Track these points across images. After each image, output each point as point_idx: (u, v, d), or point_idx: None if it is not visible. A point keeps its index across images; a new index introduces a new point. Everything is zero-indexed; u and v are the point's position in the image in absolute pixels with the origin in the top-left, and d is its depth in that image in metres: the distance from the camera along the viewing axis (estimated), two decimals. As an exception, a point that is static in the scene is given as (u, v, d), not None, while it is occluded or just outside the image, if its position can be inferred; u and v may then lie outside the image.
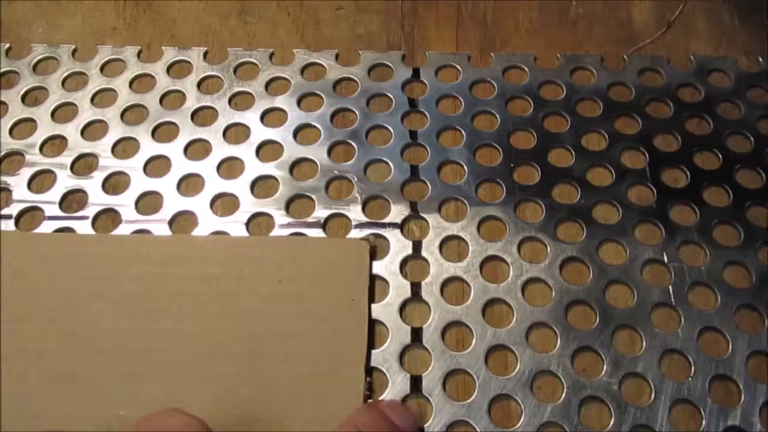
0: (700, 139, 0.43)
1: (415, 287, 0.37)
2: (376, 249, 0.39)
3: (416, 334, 0.36)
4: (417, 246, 0.39)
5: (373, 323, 0.36)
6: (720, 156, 0.42)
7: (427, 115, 0.44)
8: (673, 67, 0.46)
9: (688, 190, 0.41)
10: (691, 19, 0.48)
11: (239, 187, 0.41)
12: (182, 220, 0.40)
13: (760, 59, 0.46)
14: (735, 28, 0.48)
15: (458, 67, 0.46)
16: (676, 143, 0.43)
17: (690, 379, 0.35)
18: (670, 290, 0.37)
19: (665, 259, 0.38)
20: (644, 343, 0.36)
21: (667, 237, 0.39)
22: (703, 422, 0.33)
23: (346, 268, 0.37)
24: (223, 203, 0.41)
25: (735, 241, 0.39)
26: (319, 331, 0.35)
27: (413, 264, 0.38)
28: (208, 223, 0.39)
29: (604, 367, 0.35)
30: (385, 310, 0.37)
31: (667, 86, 0.45)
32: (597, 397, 0.34)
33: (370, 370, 0.35)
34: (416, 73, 0.46)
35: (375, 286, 0.37)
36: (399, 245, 0.39)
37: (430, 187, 0.41)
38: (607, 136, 0.43)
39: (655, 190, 0.41)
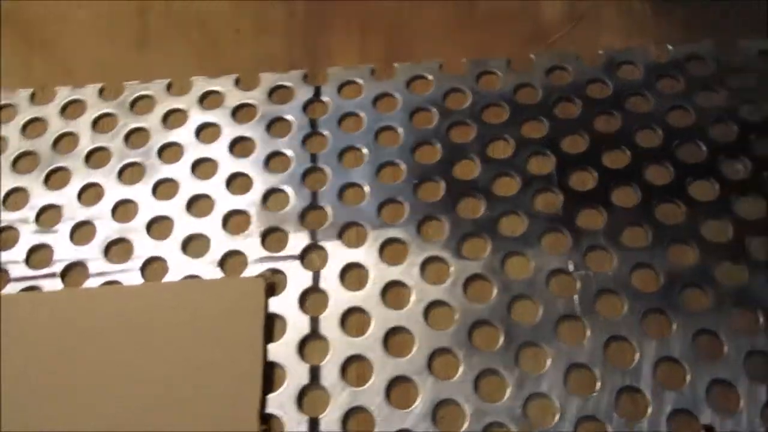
0: (608, 137, 0.42)
1: (314, 322, 0.37)
2: (275, 285, 0.38)
3: (314, 373, 0.35)
4: (316, 277, 0.38)
5: (270, 365, 0.35)
6: (629, 153, 0.41)
7: (328, 136, 0.43)
8: (582, 62, 0.45)
9: (595, 192, 0.40)
10: (602, 11, 0.47)
11: (132, 231, 0.40)
12: (75, 273, 0.39)
13: (670, 47, 0.45)
14: (646, 18, 0.47)
15: (360, 82, 0.45)
16: (584, 143, 0.42)
17: (595, 393, 0.34)
18: (576, 300, 0.36)
19: (571, 267, 0.37)
20: (549, 359, 0.35)
21: (574, 244, 0.38)
22: (609, 439, 0.32)
23: (241, 309, 0.37)
24: (118, 250, 0.40)
25: (643, 242, 0.38)
26: (212, 379, 0.34)
27: (313, 297, 0.38)
28: (97, 268, 0.39)
29: (509, 390, 0.34)
30: (282, 349, 0.36)
31: (574, 84, 0.44)
32: (500, 423, 0.33)
33: (266, 417, 0.34)
34: (318, 92, 0.45)
35: (273, 325, 0.37)
36: (298, 278, 0.38)
37: (330, 213, 0.40)
38: (513, 143, 0.42)
39: (562, 195, 0.40)
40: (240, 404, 0.34)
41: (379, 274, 0.38)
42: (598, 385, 0.34)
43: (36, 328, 0.36)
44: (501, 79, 0.45)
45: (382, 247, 0.39)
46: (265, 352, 0.36)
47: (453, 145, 0.42)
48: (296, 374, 0.35)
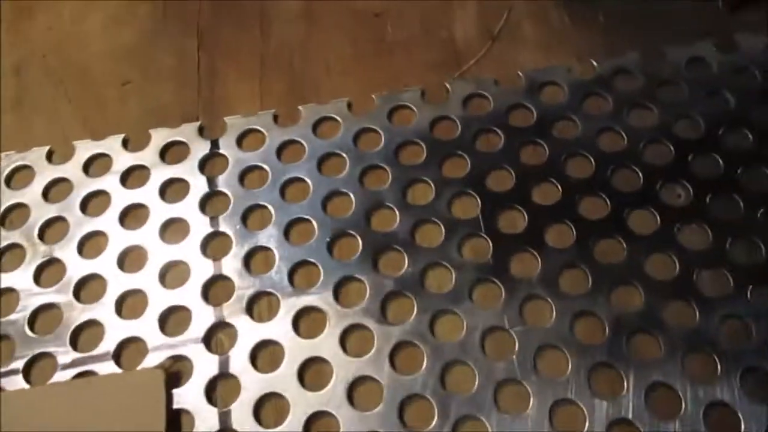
0: (536, 169, 0.39)
1: (225, 416, 0.32)
2: (179, 374, 0.34)
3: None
4: (225, 361, 0.34)
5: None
6: (558, 186, 0.38)
7: (229, 195, 0.39)
8: (502, 87, 0.42)
9: (526, 234, 0.37)
10: (517, 27, 0.44)
11: (11, 325, 0.35)
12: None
13: (595, 63, 0.42)
14: (566, 30, 0.44)
15: (262, 130, 0.41)
16: (510, 179, 0.38)
17: (542, 470, 0.30)
18: (515, 361, 0.33)
19: (506, 323, 0.34)
20: (490, 433, 0.31)
21: (508, 296, 0.35)
22: None
23: (140, 407, 0.33)
24: None
25: (583, 287, 0.35)
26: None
27: (223, 385, 0.34)
28: None
29: (447, 475, 0.30)
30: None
31: (496, 112, 0.41)
32: None
33: None
34: (215, 145, 0.41)
35: (179, 422, 0.32)
36: (204, 364, 0.34)
37: (236, 283, 0.36)
38: (433, 185, 0.38)
39: (490, 240, 0.36)
40: None
41: (295, 350, 0.34)
42: (545, 458, 0.30)
43: None
44: (415, 113, 0.41)
45: (297, 318, 0.35)
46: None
47: (367, 192, 0.39)
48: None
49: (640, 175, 0.38)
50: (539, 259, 0.36)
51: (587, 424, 0.32)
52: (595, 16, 0.44)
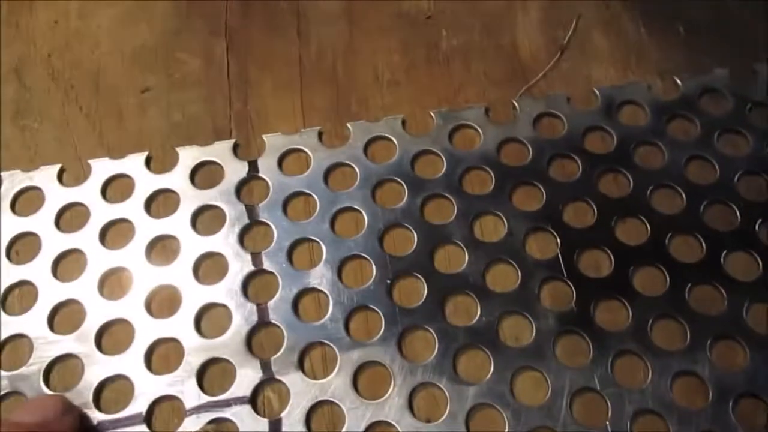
0: (619, 202, 0.35)
1: (279, 491, 0.28)
2: (222, 441, 0.29)
3: None
4: (276, 426, 0.30)
5: None
6: (647, 224, 0.34)
7: (273, 227, 0.35)
8: (575, 105, 0.38)
9: (612, 278, 0.33)
10: (587, 37, 0.40)
11: (23, 379, 0.31)
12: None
13: (678, 81, 0.38)
14: (642, 42, 0.40)
15: (307, 150, 0.37)
16: (590, 213, 0.34)
17: None
18: (609, 429, 0.29)
19: (597, 385, 0.30)
20: None
21: (596, 352, 0.31)
22: None
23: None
24: (8, 409, 0.31)
25: (679, 341, 0.31)
26: None
27: (274, 454, 0.29)
28: None
29: None
30: None
31: (570, 135, 0.37)
32: None
33: None
34: (253, 167, 0.36)
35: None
36: (251, 429, 0.30)
37: (285, 332, 0.32)
38: (504, 219, 0.34)
39: (572, 285, 0.32)
40: None
41: (356, 413, 0.30)
42: None
43: None
44: (480, 134, 0.37)
45: (356, 375, 0.31)
46: None
47: (430, 227, 0.35)
48: None
49: (737, 211, 0.34)
50: (629, 308, 0.32)
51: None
52: (674, 26, 0.40)
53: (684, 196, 0.35)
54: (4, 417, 0.28)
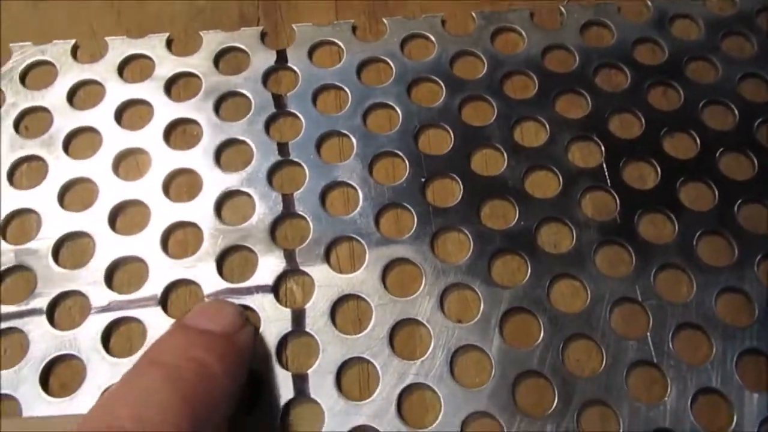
0: (669, 116, 0.34)
1: (300, 381, 0.28)
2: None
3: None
4: (299, 316, 0.29)
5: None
6: (697, 138, 0.33)
7: (301, 118, 0.34)
8: (625, 16, 0.37)
9: (659, 190, 0.32)
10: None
11: (32, 254, 0.30)
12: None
13: (735, -3, 0.37)
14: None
15: (339, 43, 0.36)
16: (638, 125, 0.34)
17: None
18: (650, 341, 0.29)
19: (639, 296, 0.29)
20: (622, 426, 0.27)
21: (639, 264, 0.30)
22: None
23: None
24: (15, 282, 0.30)
25: (727, 257, 0.30)
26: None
27: (295, 344, 0.29)
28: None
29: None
30: (259, 420, 0.27)
31: (619, 45, 0.36)
32: None
33: None
34: (282, 56, 0.35)
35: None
36: (273, 317, 0.29)
37: (312, 224, 0.31)
38: (547, 125, 0.33)
39: (616, 195, 0.32)
40: None
41: (384, 309, 0.29)
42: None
43: None
44: (524, 38, 0.36)
45: (385, 271, 0.30)
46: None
47: (468, 128, 0.34)
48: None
49: (791, 131, 0.34)
50: (675, 222, 0.31)
51: (735, 419, 0.28)
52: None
53: (736, 112, 0.34)
54: (179, 320, 0.26)
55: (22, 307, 0.30)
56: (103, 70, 0.35)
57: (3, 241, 0.31)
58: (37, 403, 0.28)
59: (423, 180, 0.32)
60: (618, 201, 0.32)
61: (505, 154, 0.33)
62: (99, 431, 0.20)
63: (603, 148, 0.33)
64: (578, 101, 0.35)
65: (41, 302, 0.30)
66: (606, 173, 0.33)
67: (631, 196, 0.32)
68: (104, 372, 0.28)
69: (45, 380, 0.29)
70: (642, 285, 0.30)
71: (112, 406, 0.21)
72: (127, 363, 0.28)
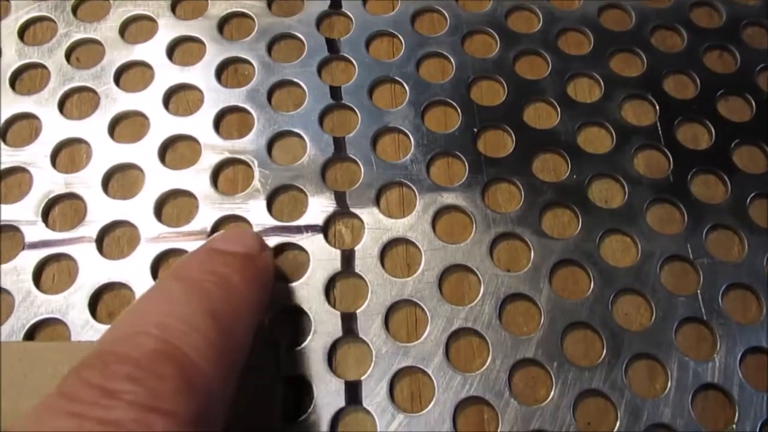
0: (723, 78, 0.34)
1: (348, 320, 0.28)
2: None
3: (352, 391, 0.27)
4: (348, 257, 0.29)
5: (288, 382, 0.27)
6: (752, 102, 0.33)
7: (354, 63, 0.34)
8: (683, -22, 0.37)
9: (712, 152, 0.32)
10: None
11: (83, 184, 0.30)
12: (5, 241, 0.29)
13: (796, -36, 0.37)
14: None
15: (393, -10, 0.35)
16: (692, 87, 0.34)
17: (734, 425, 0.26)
18: (700, 298, 0.29)
19: (690, 254, 0.30)
20: (671, 380, 0.27)
21: (691, 222, 0.30)
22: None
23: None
24: (63, 211, 0.30)
25: (779, 221, 0.30)
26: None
27: (344, 285, 0.29)
28: (34, 236, 0.29)
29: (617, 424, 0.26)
30: (307, 357, 0.27)
31: (676, 6, 0.36)
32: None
33: None
34: (336, 1, 0.35)
35: (295, 324, 0.28)
36: (322, 258, 0.29)
37: (362, 168, 0.31)
38: (601, 82, 0.33)
39: (670, 154, 0.32)
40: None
41: (434, 255, 0.30)
42: (736, 415, 0.27)
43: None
44: (579, -5, 0.36)
45: (435, 218, 0.30)
46: (278, 362, 0.27)
47: (521, 81, 0.34)
48: (327, 392, 0.27)
49: None
50: (728, 183, 0.31)
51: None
52: None
53: (793, 79, 0.34)
54: (205, 244, 0.27)
55: (72, 234, 0.30)
56: (156, 5, 0.35)
57: (53, 169, 0.31)
58: (85, 330, 0.28)
59: (475, 130, 0.32)
60: (671, 160, 0.32)
61: (559, 109, 0.33)
62: (124, 333, 0.21)
63: (657, 108, 0.33)
64: (633, 60, 0.35)
65: (91, 230, 0.30)
66: (660, 132, 0.33)
67: (684, 156, 0.32)
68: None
69: (93, 308, 0.28)
70: (693, 243, 0.30)
71: (136, 315, 0.22)
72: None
